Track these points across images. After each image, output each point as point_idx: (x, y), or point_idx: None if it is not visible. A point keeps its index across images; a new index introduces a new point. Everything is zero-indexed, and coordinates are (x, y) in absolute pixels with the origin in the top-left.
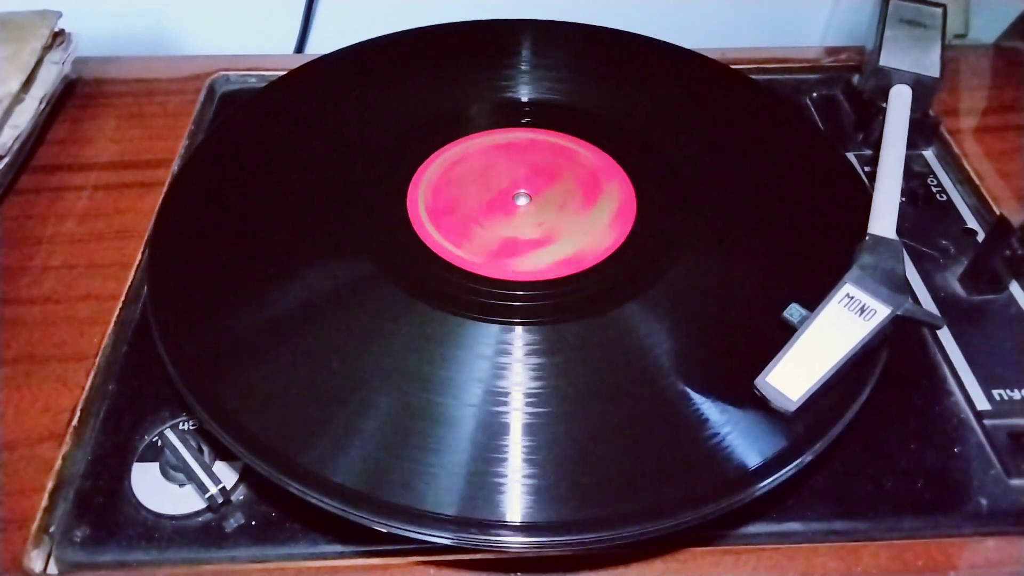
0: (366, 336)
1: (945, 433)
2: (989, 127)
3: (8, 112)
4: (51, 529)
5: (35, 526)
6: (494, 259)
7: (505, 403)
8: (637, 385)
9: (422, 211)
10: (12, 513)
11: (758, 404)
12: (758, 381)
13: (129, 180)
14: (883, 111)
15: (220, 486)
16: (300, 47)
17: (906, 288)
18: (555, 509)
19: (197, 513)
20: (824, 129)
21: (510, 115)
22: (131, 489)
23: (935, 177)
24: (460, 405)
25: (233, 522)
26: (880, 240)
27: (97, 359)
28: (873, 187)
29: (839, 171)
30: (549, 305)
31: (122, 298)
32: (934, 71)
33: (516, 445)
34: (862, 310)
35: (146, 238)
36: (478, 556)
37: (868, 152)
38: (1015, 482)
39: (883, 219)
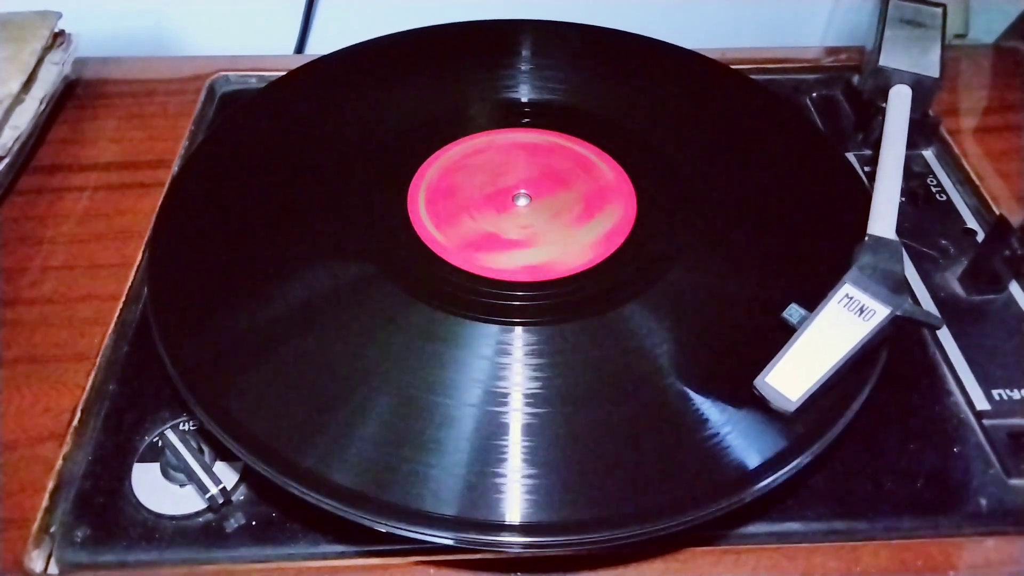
0: (366, 336)
1: (945, 433)
2: (989, 127)
3: (8, 113)
4: (52, 529)
5: (36, 526)
6: (465, 249)
7: (505, 403)
8: (637, 385)
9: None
10: (13, 513)
11: (758, 404)
12: (757, 381)
13: (129, 181)
14: (883, 111)
15: (220, 486)
16: (300, 47)
17: (905, 288)
18: (555, 509)
19: (197, 513)
20: (824, 129)
21: (510, 115)
22: (132, 489)
23: (935, 177)
24: (460, 405)
25: (233, 522)
26: (879, 240)
27: (98, 359)
28: (873, 187)
29: (839, 171)
30: (549, 305)
31: (122, 298)
32: (934, 71)
33: (516, 445)
34: (861, 310)
35: (146, 238)
36: (478, 556)
37: (868, 152)
38: (1014, 482)
39: (883, 219)
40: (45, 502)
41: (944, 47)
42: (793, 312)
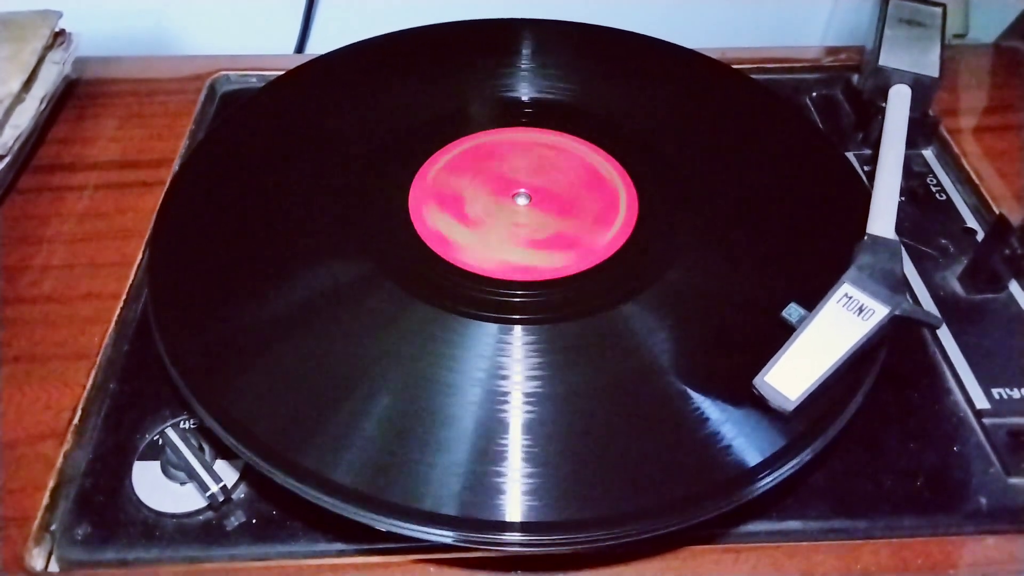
0: (366, 335)
1: (944, 432)
2: (988, 127)
3: (9, 112)
4: (52, 527)
5: (36, 524)
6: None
7: (505, 402)
8: (636, 384)
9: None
10: (13, 511)
11: (757, 403)
12: (757, 380)
13: (130, 180)
14: (882, 111)
15: (221, 484)
16: (300, 47)
17: (904, 288)
18: (555, 508)
19: (198, 511)
20: (823, 129)
21: (510, 115)
22: (132, 487)
23: (934, 176)
24: (460, 404)
25: (234, 520)
26: (879, 240)
27: (98, 358)
28: (872, 187)
29: (838, 171)
30: (549, 305)
31: (123, 297)
32: (933, 71)
33: (516, 444)
34: (860, 310)
35: (147, 237)
36: (478, 555)
37: (867, 152)
38: (1014, 480)
39: (882, 219)
40: (46, 500)
41: (944, 47)
42: (792, 311)
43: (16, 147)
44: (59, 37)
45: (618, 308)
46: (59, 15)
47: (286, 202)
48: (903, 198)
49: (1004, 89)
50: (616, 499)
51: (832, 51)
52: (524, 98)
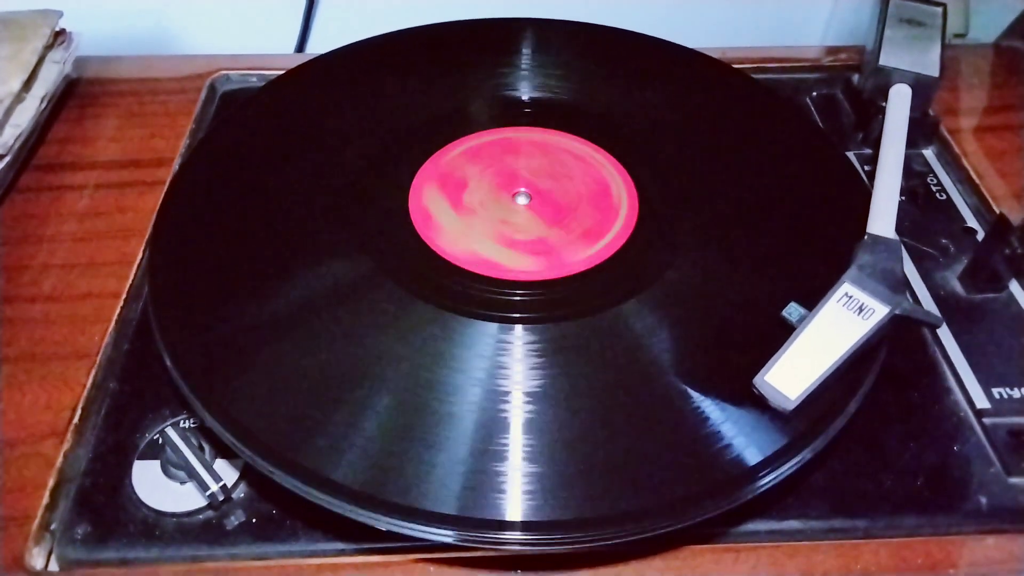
0: (366, 334)
1: (945, 431)
2: (989, 126)
3: (9, 111)
4: (52, 526)
5: (36, 523)
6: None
7: (505, 401)
8: (636, 384)
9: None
10: (13, 511)
11: (757, 403)
12: (757, 380)
13: (130, 179)
14: (883, 110)
15: (221, 484)
16: (300, 46)
17: (904, 287)
18: (555, 507)
19: (198, 511)
20: (824, 129)
21: (510, 114)
22: (132, 487)
23: (935, 176)
24: (460, 403)
25: (234, 519)
26: (879, 239)
27: (98, 357)
28: (872, 186)
29: (839, 170)
30: (549, 304)
31: (123, 296)
32: (934, 70)
33: (516, 443)
34: (860, 309)
35: (147, 237)
36: (478, 554)
37: (868, 151)
38: (1015, 480)
39: (882, 218)
40: (46, 499)
41: (944, 46)
42: (792, 311)
43: (16, 146)
44: (59, 36)
45: (618, 307)
46: (59, 14)
47: (286, 201)
48: (903, 198)
49: (1004, 89)
50: (616, 498)
51: (832, 51)
52: (524, 97)
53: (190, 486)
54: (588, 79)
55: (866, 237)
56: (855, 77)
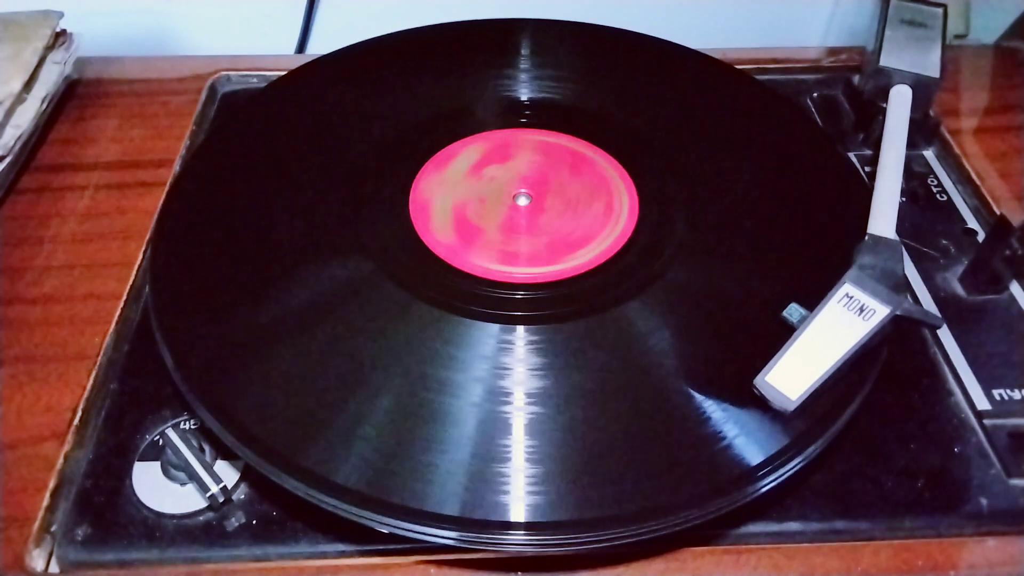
0: (368, 336)
1: (945, 433)
2: (989, 127)
3: (10, 112)
4: (53, 528)
5: (37, 525)
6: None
7: (507, 403)
8: (638, 384)
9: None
10: (14, 512)
11: (758, 403)
12: (757, 380)
13: (131, 180)
14: (883, 111)
15: (221, 485)
16: (301, 47)
17: (905, 288)
18: (556, 508)
19: (198, 512)
20: (824, 129)
21: (510, 114)
22: (132, 488)
23: (935, 177)
24: (462, 405)
25: (234, 521)
26: (880, 240)
27: (99, 358)
28: (873, 187)
29: (840, 171)
30: (551, 305)
31: (123, 298)
32: (934, 71)
33: (518, 445)
34: (861, 310)
35: (147, 238)
36: (479, 556)
37: (868, 152)
38: (1015, 482)
39: (883, 219)
40: (46, 501)
41: (944, 47)
42: (793, 311)
43: (17, 147)
44: (60, 37)
45: (619, 307)
46: (60, 15)
47: (286, 202)
48: (904, 199)
49: (1005, 90)
50: (617, 499)
51: (833, 51)
52: (524, 98)
53: (190, 487)
54: (589, 80)
55: (867, 238)
56: (856, 78)
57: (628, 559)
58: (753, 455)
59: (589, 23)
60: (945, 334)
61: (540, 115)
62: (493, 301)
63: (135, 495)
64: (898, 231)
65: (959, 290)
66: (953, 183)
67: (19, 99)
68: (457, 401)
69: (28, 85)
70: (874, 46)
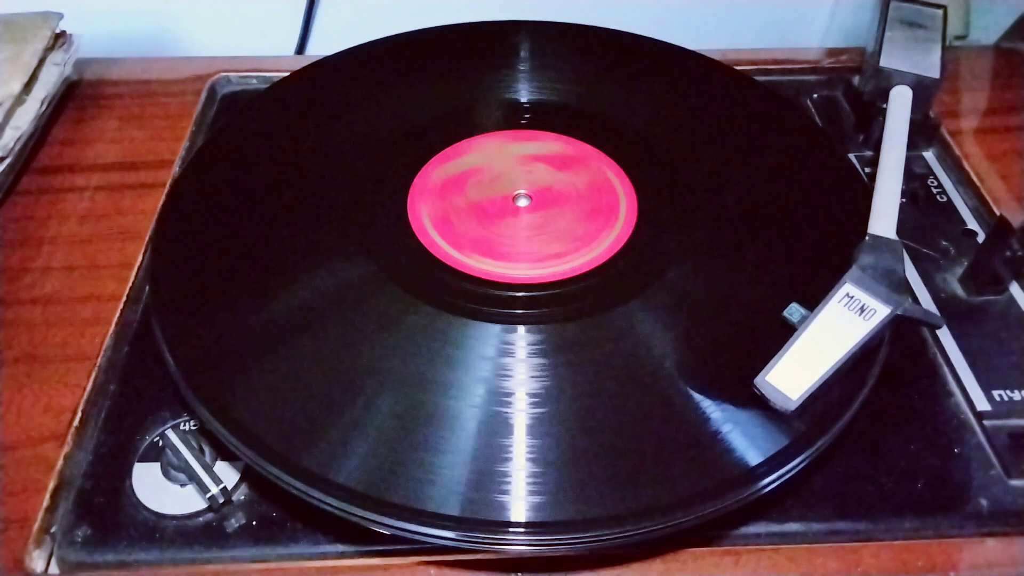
0: (368, 336)
1: (945, 434)
2: (989, 128)
3: (9, 113)
4: (52, 529)
5: (36, 526)
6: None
7: (507, 403)
8: (638, 385)
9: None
10: (14, 513)
11: (758, 403)
12: (758, 380)
13: (130, 181)
14: (883, 112)
15: (221, 486)
16: (301, 49)
17: (906, 288)
18: (556, 509)
19: (198, 513)
20: (824, 130)
21: (511, 116)
22: (132, 489)
23: (935, 178)
24: (462, 405)
25: (234, 522)
26: (880, 240)
27: (98, 360)
28: (873, 188)
29: (840, 171)
30: (551, 305)
31: (123, 299)
32: (934, 72)
33: (518, 445)
34: (862, 310)
35: (147, 239)
36: (480, 556)
37: (868, 153)
38: (1015, 483)
39: (883, 219)
40: (46, 502)
41: (944, 48)
42: (794, 311)
43: (17, 148)
44: (60, 38)
45: (619, 308)
46: (60, 16)
47: (287, 204)
48: (904, 200)
49: (1005, 91)
50: (617, 500)
51: (833, 52)
52: (524, 100)
53: (190, 488)
54: (589, 81)
55: (867, 238)
56: (856, 79)
57: (628, 560)
58: (753, 455)
59: (589, 25)
60: (945, 335)
61: (540, 116)
62: (493, 302)
63: (135, 496)
64: (898, 232)
65: (959, 291)
66: (953, 184)
67: (19, 100)
68: (457, 402)
69: (28, 86)
70: (874, 47)
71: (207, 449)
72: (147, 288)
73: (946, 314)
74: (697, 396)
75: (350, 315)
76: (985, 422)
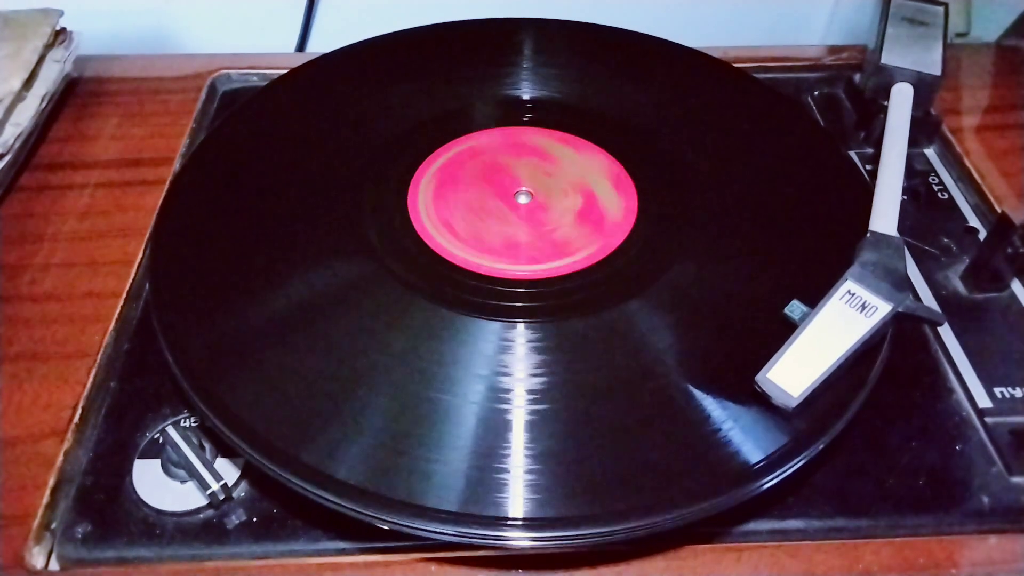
0: (368, 333)
1: (947, 431)
2: (990, 125)
3: (10, 110)
4: (53, 526)
5: (36, 523)
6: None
7: (507, 400)
8: (639, 382)
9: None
10: (14, 510)
11: (759, 401)
12: (759, 377)
13: (131, 178)
14: (884, 109)
15: (221, 483)
16: (301, 46)
17: (907, 285)
18: (557, 505)
19: (198, 510)
20: (825, 127)
21: (512, 113)
22: (132, 486)
23: (936, 175)
24: (462, 402)
25: (234, 519)
26: (881, 237)
27: (98, 356)
28: (874, 185)
29: (841, 169)
30: (551, 302)
31: (123, 295)
32: (936, 69)
33: (518, 441)
34: (863, 307)
35: (147, 236)
36: (480, 553)
37: (870, 151)
38: (1017, 480)
39: (884, 217)
40: (46, 498)
41: (946, 45)
42: (795, 308)
43: (17, 145)
44: (60, 35)
45: (620, 305)
46: (60, 13)
47: (287, 200)
48: (905, 197)
49: (1006, 88)
50: (618, 497)
51: (834, 50)
52: (525, 97)
53: (191, 485)
54: (589, 79)
55: (869, 235)
56: (857, 76)
57: (629, 556)
58: (754, 452)
59: (590, 22)
60: (946, 332)
61: (540, 114)
62: (493, 299)
63: (135, 493)
64: (899, 230)
65: (960, 288)
66: (954, 181)
67: (19, 97)
68: (458, 398)
69: (28, 83)
70: (875, 44)
71: (207, 446)
72: (147, 285)
73: (947, 311)
74: (698, 393)
75: (350, 311)
76: (986, 419)
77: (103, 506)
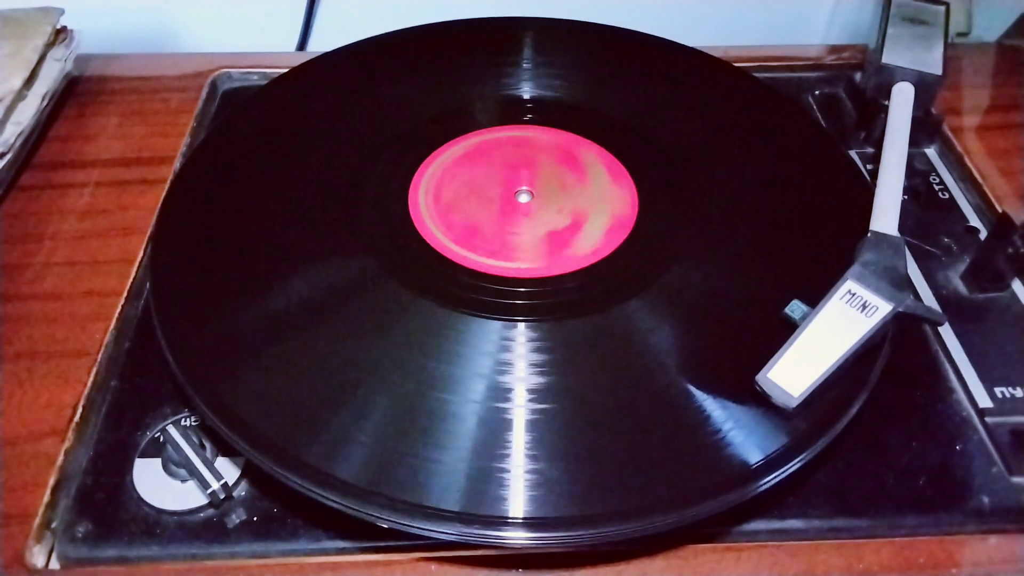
0: (369, 332)
1: (947, 431)
2: (991, 125)
3: (10, 109)
4: (53, 525)
5: (37, 522)
6: (467, 246)
7: (508, 399)
8: (639, 381)
9: (424, 208)
10: (14, 509)
11: (760, 400)
12: (759, 377)
13: (131, 177)
14: (885, 109)
15: (222, 482)
16: (302, 45)
17: (908, 285)
18: (557, 505)
19: (199, 509)
20: (826, 127)
21: (512, 113)
22: (133, 485)
23: (937, 175)
24: (463, 401)
25: (235, 518)
26: (882, 237)
27: (99, 355)
28: (875, 185)
29: (842, 168)
30: (552, 301)
31: (124, 294)
32: (936, 69)
33: (519, 441)
34: (864, 307)
35: (148, 234)
36: (480, 552)
37: (870, 150)
38: (1017, 480)
39: (885, 216)
40: (46, 497)
41: (947, 45)
42: (795, 308)
43: (18, 144)
44: (61, 34)
45: (620, 305)
46: (61, 12)
47: (288, 200)
48: (906, 197)
49: (1007, 88)
50: (618, 496)
51: (835, 49)
52: (525, 96)
53: (191, 484)
54: (589, 78)
55: (869, 234)
56: (857, 76)
57: (629, 556)
58: (755, 452)
59: (590, 22)
60: (947, 332)
61: (541, 113)
62: (494, 298)
63: (136, 492)
64: (900, 229)
65: (961, 288)
66: (955, 181)
67: (20, 96)
68: (459, 397)
69: (29, 82)
70: (876, 44)
71: (208, 445)
72: (148, 284)
73: (948, 311)
74: (698, 393)
75: (351, 310)
76: (987, 419)
77: (104, 505)
